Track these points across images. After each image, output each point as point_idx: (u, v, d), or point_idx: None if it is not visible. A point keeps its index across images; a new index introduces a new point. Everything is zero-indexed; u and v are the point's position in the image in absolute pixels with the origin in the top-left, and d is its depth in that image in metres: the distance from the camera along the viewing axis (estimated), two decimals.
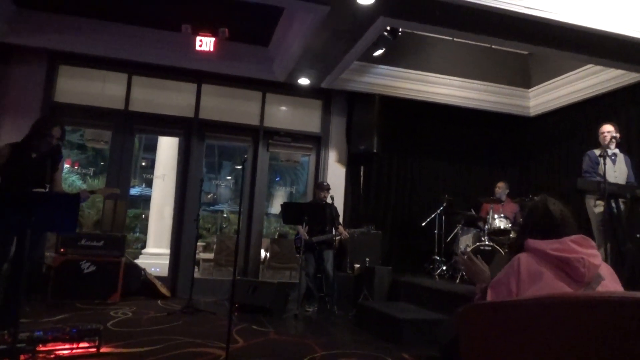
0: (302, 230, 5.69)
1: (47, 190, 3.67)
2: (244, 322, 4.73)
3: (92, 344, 3.29)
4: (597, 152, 4.69)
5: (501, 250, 5.78)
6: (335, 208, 6.08)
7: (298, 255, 5.74)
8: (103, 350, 3.33)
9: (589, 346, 1.29)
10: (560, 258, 1.77)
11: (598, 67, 6.25)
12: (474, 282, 2.10)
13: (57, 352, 3.15)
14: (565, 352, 1.32)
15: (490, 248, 5.84)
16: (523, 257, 1.84)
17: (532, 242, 1.88)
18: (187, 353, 3.49)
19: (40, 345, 3.10)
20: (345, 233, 5.96)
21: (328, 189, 5.99)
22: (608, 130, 4.77)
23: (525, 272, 1.78)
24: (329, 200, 5.89)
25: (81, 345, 3.25)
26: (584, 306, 1.35)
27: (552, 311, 1.38)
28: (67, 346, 3.20)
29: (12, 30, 5.95)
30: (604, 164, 4.39)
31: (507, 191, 6.79)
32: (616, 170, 4.73)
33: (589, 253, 1.79)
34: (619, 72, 5.99)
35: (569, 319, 1.34)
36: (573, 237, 1.85)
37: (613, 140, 4.73)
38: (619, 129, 4.83)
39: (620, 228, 4.37)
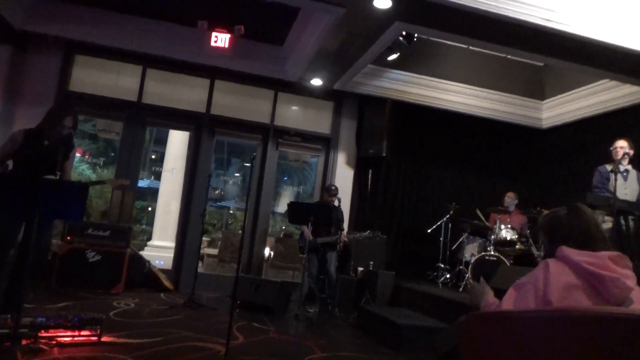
0: (307, 230, 5.69)
1: (57, 178, 3.70)
2: (245, 319, 4.74)
3: (94, 333, 3.31)
4: (609, 167, 4.63)
5: (506, 261, 5.74)
6: (342, 211, 6.08)
7: (302, 255, 5.74)
8: (104, 339, 3.35)
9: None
10: (594, 274, 1.64)
11: (613, 83, 6.19)
12: (477, 305, 1.98)
13: (59, 339, 3.17)
14: None
15: (495, 258, 5.81)
16: (552, 262, 1.72)
17: (567, 251, 1.73)
18: (187, 347, 3.51)
19: (42, 332, 3.12)
20: (343, 236, 5.96)
21: (335, 194, 5.98)
22: (621, 145, 4.71)
23: (555, 278, 1.67)
24: (335, 204, 5.89)
25: (83, 333, 3.27)
26: (592, 321, 1.31)
27: (560, 325, 1.35)
28: (68, 333, 3.22)
29: (30, 18, 6.01)
30: (615, 179, 4.33)
31: (516, 202, 6.75)
32: (627, 187, 4.67)
33: (624, 274, 1.66)
34: (635, 88, 5.93)
35: (576, 333, 1.31)
36: (610, 253, 1.71)
37: (626, 156, 4.67)
38: (632, 145, 4.77)
39: (629, 245, 4.32)
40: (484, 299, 1.93)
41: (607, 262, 1.66)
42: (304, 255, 5.57)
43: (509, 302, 1.76)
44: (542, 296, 1.65)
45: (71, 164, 4.06)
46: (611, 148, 4.78)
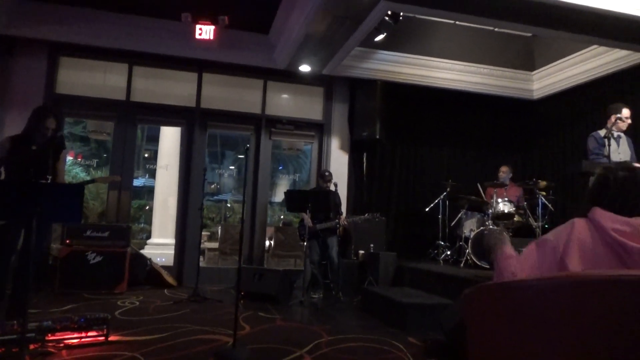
0: (307, 217, 5.70)
1: (50, 181, 3.68)
2: (250, 309, 4.77)
3: (101, 333, 3.32)
4: (602, 133, 4.65)
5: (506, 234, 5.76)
6: (339, 196, 6.08)
7: (302, 242, 5.75)
8: (111, 338, 3.36)
9: (604, 328, 1.24)
10: (619, 242, 1.50)
11: (602, 49, 6.18)
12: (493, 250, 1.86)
13: (66, 341, 3.18)
14: (578, 335, 1.27)
15: None
16: (579, 222, 1.61)
17: (599, 213, 1.60)
18: (194, 340, 3.53)
19: (49, 335, 3.13)
20: (343, 220, 5.98)
21: (330, 179, 5.98)
22: (627, 115, 4.64)
23: (576, 239, 1.56)
24: (332, 188, 5.89)
25: (89, 334, 3.29)
26: (599, 287, 1.27)
27: (564, 292, 1.32)
28: (75, 335, 3.23)
29: (13, 22, 5.92)
30: (609, 145, 4.35)
31: (511, 175, 6.79)
32: (621, 152, 4.69)
33: None
34: (624, 52, 5.92)
35: (582, 300, 1.28)
36: None
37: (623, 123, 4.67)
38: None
39: None
40: (502, 248, 1.81)
41: None
42: (305, 243, 5.59)
43: (528, 259, 1.66)
44: (560, 259, 1.56)
45: (63, 166, 4.04)
46: (618, 116, 4.65)
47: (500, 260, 1.76)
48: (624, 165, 1.76)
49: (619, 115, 4.64)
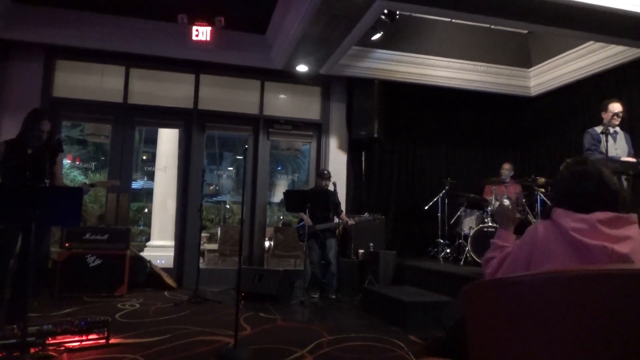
0: (306, 217, 5.70)
1: (47, 184, 3.67)
2: (251, 310, 4.77)
3: (101, 336, 3.32)
4: (598, 129, 4.66)
5: None
6: (337, 195, 6.08)
7: (301, 242, 5.75)
8: (112, 341, 3.36)
9: (600, 322, 1.26)
10: (581, 242, 1.53)
11: (598, 45, 6.19)
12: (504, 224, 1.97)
13: (67, 345, 3.18)
14: (575, 329, 1.28)
15: (493, 230, 5.85)
16: (540, 228, 1.65)
17: (559, 213, 1.62)
18: (195, 341, 3.53)
19: (50, 338, 3.13)
20: (350, 221, 5.98)
21: (329, 177, 5.98)
22: (618, 110, 4.67)
23: (539, 246, 1.61)
24: (330, 188, 5.88)
25: (90, 337, 3.28)
26: (594, 281, 1.29)
27: (560, 287, 1.34)
28: (76, 338, 3.23)
29: (8, 26, 5.90)
30: (607, 141, 4.36)
31: (512, 173, 6.78)
32: (617, 148, 4.70)
33: (619, 236, 1.51)
34: (620, 48, 5.92)
35: (577, 294, 1.29)
36: (604, 215, 1.55)
37: (618, 118, 4.68)
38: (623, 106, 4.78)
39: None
40: (508, 230, 1.93)
41: (599, 227, 1.53)
42: (304, 243, 5.59)
43: (503, 266, 1.78)
44: (527, 262, 1.63)
45: (61, 169, 4.03)
46: (608, 111, 4.68)
47: (486, 255, 1.91)
48: (578, 160, 1.78)
49: (616, 112, 4.65)
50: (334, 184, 5.90)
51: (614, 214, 1.58)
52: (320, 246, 5.84)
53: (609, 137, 4.49)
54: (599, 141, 4.61)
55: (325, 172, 6.10)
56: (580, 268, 1.49)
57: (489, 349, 1.56)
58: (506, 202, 5.98)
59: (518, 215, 1.97)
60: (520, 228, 2.00)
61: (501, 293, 1.52)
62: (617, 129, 4.78)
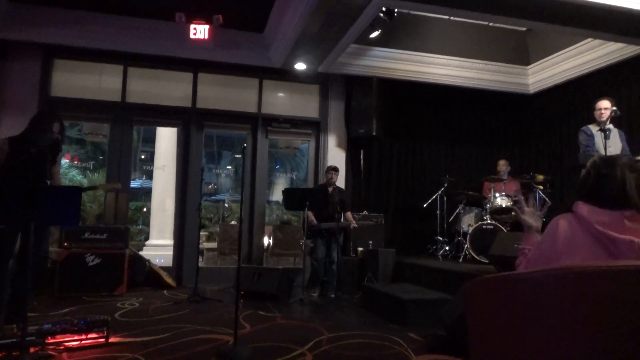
0: (311, 215, 5.72)
1: (48, 184, 3.67)
2: (250, 308, 4.78)
3: (101, 335, 3.32)
4: (592, 127, 4.68)
5: (503, 229, 5.79)
6: (344, 192, 6.13)
7: (306, 239, 5.75)
8: (112, 340, 3.36)
9: (603, 319, 1.24)
10: (606, 236, 1.52)
11: (597, 42, 6.20)
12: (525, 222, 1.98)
13: (66, 344, 3.18)
14: (577, 326, 1.28)
15: (492, 227, 5.86)
16: (562, 222, 1.64)
17: (582, 207, 1.62)
18: (195, 340, 3.53)
19: (49, 338, 3.13)
20: (353, 223, 6.02)
21: (334, 168, 6.06)
22: (605, 106, 4.65)
23: (562, 240, 1.60)
24: (336, 181, 5.96)
25: (90, 336, 3.28)
26: (597, 278, 1.28)
27: (563, 283, 1.32)
28: (75, 337, 3.23)
29: (6, 25, 5.89)
30: (604, 138, 4.37)
31: (509, 169, 6.80)
32: (611, 146, 4.70)
33: None
34: (619, 45, 5.93)
35: (580, 291, 1.28)
36: (628, 212, 1.55)
37: (611, 115, 4.67)
38: (614, 102, 4.77)
39: None
40: (534, 228, 1.94)
41: (625, 223, 1.53)
42: (307, 240, 5.61)
43: (534, 261, 1.72)
44: (547, 257, 1.61)
45: (58, 169, 4.02)
46: (596, 110, 4.73)
47: (516, 263, 1.88)
48: (607, 160, 1.76)
49: (601, 107, 4.64)
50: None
51: (634, 211, 1.58)
52: (325, 244, 5.86)
53: (603, 135, 4.50)
54: (593, 138, 4.63)
55: (331, 166, 6.19)
56: (579, 265, 1.48)
57: (489, 346, 1.56)
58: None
59: (538, 214, 1.99)
60: (520, 226, 2.02)
61: (503, 289, 1.51)
62: (611, 126, 4.77)
